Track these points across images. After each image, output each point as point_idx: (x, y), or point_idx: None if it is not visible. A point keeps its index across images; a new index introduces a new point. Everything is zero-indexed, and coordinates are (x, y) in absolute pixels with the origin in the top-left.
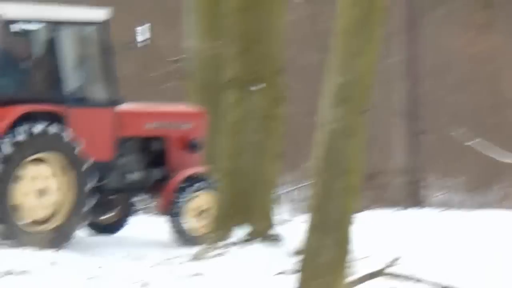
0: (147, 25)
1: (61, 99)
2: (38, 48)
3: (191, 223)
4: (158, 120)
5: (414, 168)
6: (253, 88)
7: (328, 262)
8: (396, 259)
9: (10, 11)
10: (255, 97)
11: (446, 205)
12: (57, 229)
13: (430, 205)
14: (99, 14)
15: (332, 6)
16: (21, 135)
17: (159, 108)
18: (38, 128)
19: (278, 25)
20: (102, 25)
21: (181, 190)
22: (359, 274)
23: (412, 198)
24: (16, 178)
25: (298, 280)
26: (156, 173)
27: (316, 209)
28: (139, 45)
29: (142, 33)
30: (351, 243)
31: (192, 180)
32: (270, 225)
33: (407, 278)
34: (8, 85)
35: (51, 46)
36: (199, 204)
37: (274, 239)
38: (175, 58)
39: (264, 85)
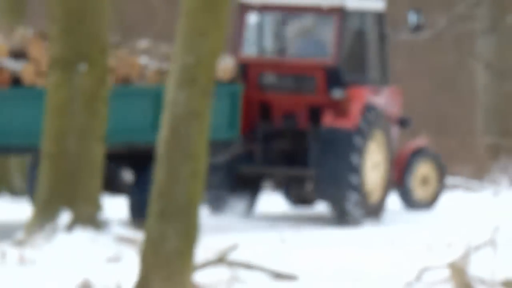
0: (418, 12)
1: (364, 80)
2: (353, 36)
3: (418, 190)
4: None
5: None
6: (80, 69)
7: (172, 251)
8: (234, 247)
9: (349, 3)
10: (79, 78)
11: None
12: (378, 202)
13: None
14: (379, 4)
15: None
16: (370, 114)
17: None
18: (375, 107)
19: (103, 3)
20: (381, 14)
21: (410, 162)
22: (199, 261)
23: None
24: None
25: (140, 269)
26: None
27: (160, 195)
28: (412, 31)
29: (413, 19)
30: (199, 229)
31: (416, 152)
32: (96, 209)
33: (246, 265)
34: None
35: (360, 34)
36: (423, 173)
37: (101, 223)
38: None
39: (86, 66)
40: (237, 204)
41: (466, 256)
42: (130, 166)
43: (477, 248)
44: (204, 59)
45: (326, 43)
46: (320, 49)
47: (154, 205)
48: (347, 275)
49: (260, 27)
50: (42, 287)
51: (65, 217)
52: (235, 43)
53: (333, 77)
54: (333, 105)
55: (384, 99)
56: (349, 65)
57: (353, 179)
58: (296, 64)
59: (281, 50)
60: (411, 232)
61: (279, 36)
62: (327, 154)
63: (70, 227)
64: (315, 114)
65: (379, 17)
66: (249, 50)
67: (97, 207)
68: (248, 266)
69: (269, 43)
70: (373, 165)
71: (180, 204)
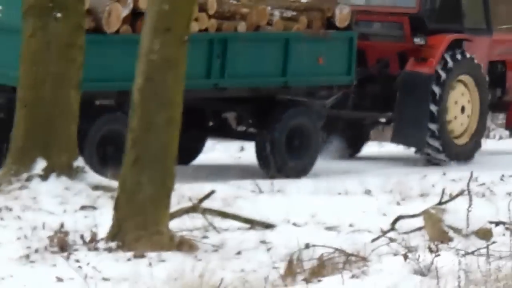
0: None
1: (462, 29)
2: None
3: None
4: (503, 46)
5: None
6: (56, 16)
7: (147, 199)
8: (212, 193)
9: None
10: (55, 25)
11: None
12: (466, 146)
13: None
14: None
15: None
16: (451, 60)
17: (499, 36)
18: (460, 54)
19: None
20: None
21: None
22: (174, 209)
23: None
24: (447, 98)
25: (114, 217)
26: (498, 92)
27: (135, 143)
28: None
29: None
30: (174, 177)
31: None
32: (73, 157)
33: (220, 213)
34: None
35: None
36: None
37: (78, 171)
38: None
39: (61, 13)
40: (333, 147)
41: (440, 205)
42: (254, 111)
43: (452, 197)
44: (180, 6)
45: None
46: None
47: (128, 153)
48: (321, 223)
49: None
50: (18, 234)
51: (40, 165)
52: None
53: (417, 25)
54: (418, 52)
55: (488, 47)
56: (437, 14)
57: (430, 123)
58: (386, 11)
59: None
60: (388, 180)
61: None
62: (405, 99)
63: (45, 175)
64: (404, 60)
65: None
66: None
67: (72, 155)
68: (222, 214)
69: None
70: (459, 109)
71: (155, 152)
